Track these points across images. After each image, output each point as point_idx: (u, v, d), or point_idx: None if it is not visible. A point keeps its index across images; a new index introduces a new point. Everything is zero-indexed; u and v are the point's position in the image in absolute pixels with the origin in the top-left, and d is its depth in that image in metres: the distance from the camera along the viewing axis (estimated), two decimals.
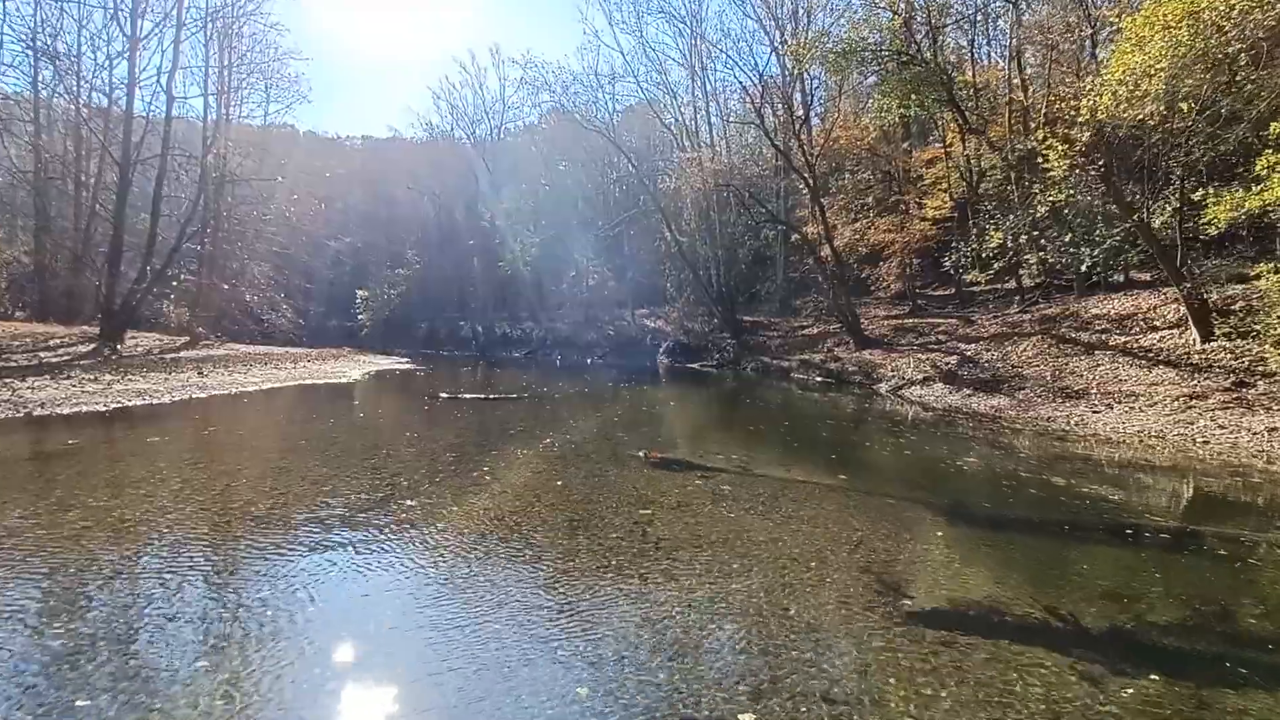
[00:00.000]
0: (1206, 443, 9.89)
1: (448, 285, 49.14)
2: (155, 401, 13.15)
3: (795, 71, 30.07)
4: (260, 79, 35.90)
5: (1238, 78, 11.07)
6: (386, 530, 5.82)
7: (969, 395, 15.40)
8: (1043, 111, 16.83)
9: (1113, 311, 17.11)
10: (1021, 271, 21.68)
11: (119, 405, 12.31)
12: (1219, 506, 7.25)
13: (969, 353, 18.59)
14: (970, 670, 3.52)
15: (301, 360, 25.40)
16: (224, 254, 37.03)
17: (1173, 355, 13.66)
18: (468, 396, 16.05)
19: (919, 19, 21.44)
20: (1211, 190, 11.46)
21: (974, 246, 21.29)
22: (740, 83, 37.30)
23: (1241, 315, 12.50)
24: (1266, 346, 11.49)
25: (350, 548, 5.35)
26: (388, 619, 4.12)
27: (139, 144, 27.28)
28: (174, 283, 33.96)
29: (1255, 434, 9.69)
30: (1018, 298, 22.01)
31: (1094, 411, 12.38)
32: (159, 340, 27.31)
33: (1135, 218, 13.78)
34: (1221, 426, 10.20)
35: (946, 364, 18.14)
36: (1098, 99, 11.21)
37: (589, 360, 34.48)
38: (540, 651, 3.69)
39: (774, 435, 12.21)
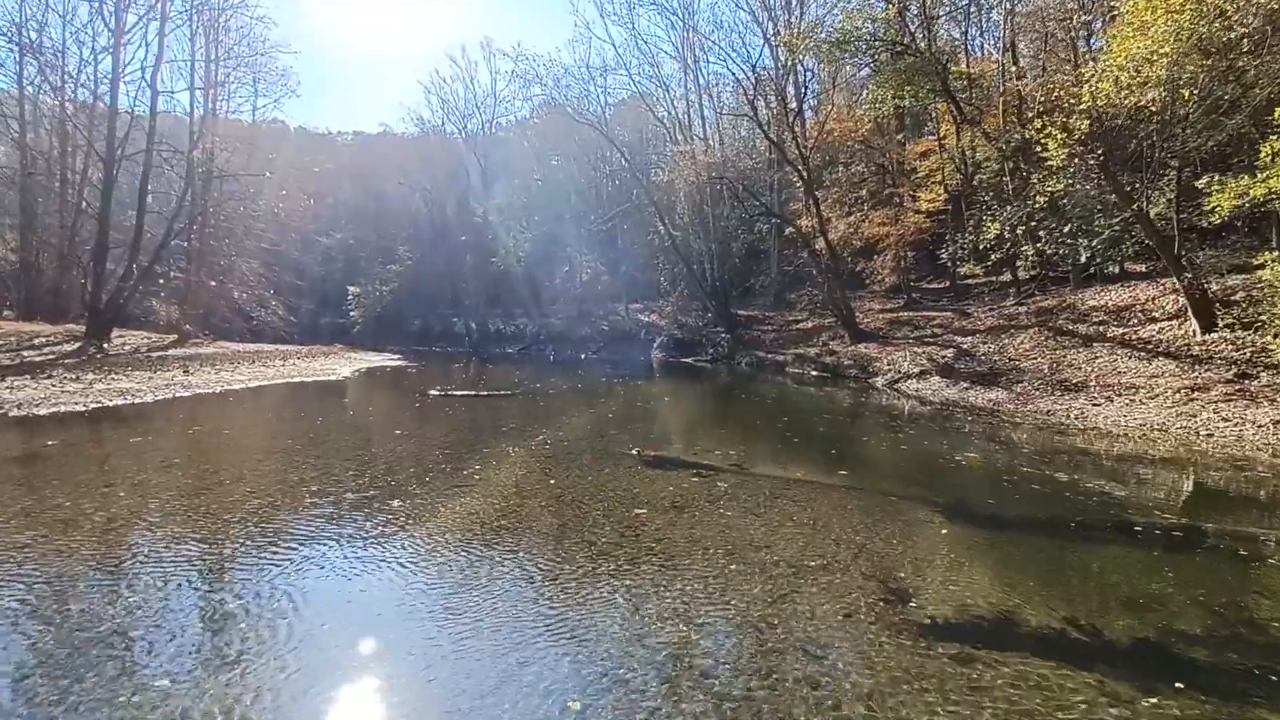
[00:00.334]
0: (1210, 436, 9.72)
1: (440, 281, 48.71)
2: (137, 401, 12.83)
3: (789, 63, 29.79)
4: (248, 73, 35.43)
5: (1239, 63, 10.85)
6: (367, 536, 5.58)
7: (966, 389, 15.21)
8: (1039, 99, 16.61)
9: (1110, 303, 16.95)
10: (1019, 264, 21.49)
11: (99, 405, 11.99)
12: (1228, 502, 7.07)
13: (965, 346, 18.43)
14: (990, 690, 3.25)
15: (291, 358, 25.07)
16: (212, 251, 36.58)
17: (1172, 347, 13.50)
18: (458, 394, 15.79)
19: (913, 9, 21.22)
20: (1216, 178, 11.23)
21: (971, 238, 21.09)
22: (733, 75, 36.97)
23: (1245, 306, 12.32)
24: (1269, 337, 11.33)
25: (331, 553, 5.12)
26: (363, 633, 3.88)
27: (124, 139, 26.83)
28: (161, 280, 33.51)
29: (1260, 426, 9.52)
30: (1013, 290, 21.84)
31: (1094, 404, 12.21)
32: (147, 338, 26.91)
33: (1135, 207, 13.58)
34: (1225, 419, 10.03)
35: (943, 357, 17.96)
36: (1099, 84, 10.98)
37: (583, 356, 34.22)
38: (525, 670, 3.46)
39: (770, 431, 12.00)
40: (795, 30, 24.57)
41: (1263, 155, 9.93)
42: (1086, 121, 12.54)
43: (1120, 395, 12.27)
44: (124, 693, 3.20)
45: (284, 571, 4.75)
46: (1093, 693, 3.23)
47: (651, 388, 20.46)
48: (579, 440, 10.24)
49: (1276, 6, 9.75)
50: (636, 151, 39.97)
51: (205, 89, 33.03)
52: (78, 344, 22.31)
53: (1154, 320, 15.02)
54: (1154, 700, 3.17)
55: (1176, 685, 3.30)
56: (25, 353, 19.22)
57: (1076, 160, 13.28)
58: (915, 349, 19.52)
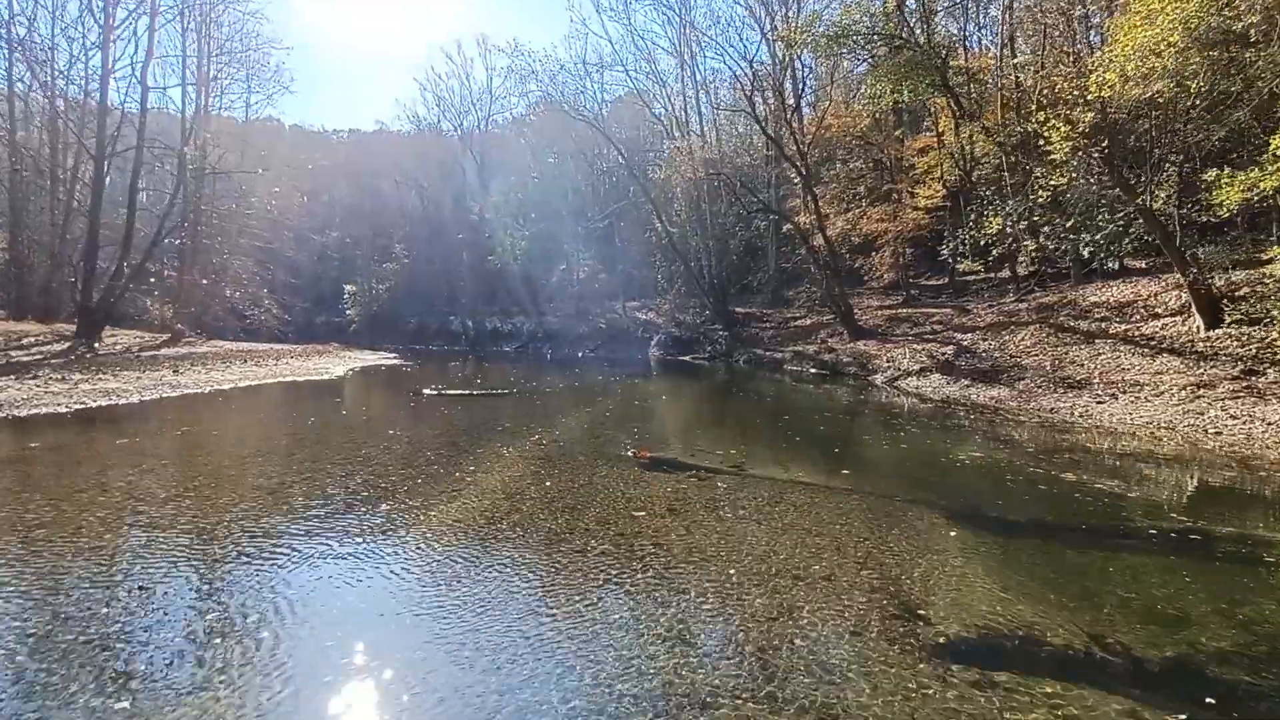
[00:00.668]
0: (1219, 434, 9.53)
1: (436, 279, 48.41)
2: (122, 402, 12.55)
3: (786, 59, 29.60)
4: (240, 69, 35.14)
5: (1247, 54, 10.63)
6: (351, 544, 5.34)
7: (967, 386, 15.02)
8: (1042, 91, 16.40)
9: (1111, 299, 16.75)
10: (1021, 259, 21.29)
11: (82, 406, 11.71)
12: (1242, 503, 6.85)
13: (965, 343, 18.23)
14: None
15: (284, 357, 24.79)
16: (205, 249, 36.22)
17: (1176, 343, 13.30)
18: (453, 393, 15.54)
19: (911, 3, 21.02)
20: (1226, 171, 11.01)
21: (972, 233, 20.88)
22: (731, 70, 36.78)
23: (1254, 301, 12.10)
24: (1276, 333, 11.13)
25: (311, 563, 4.88)
26: (342, 647, 3.65)
27: (114, 136, 26.52)
28: (151, 279, 33.18)
29: (1270, 424, 9.32)
30: (1012, 286, 21.64)
31: (1098, 402, 12.01)
32: (139, 338, 26.60)
33: (1139, 202, 13.37)
34: (1234, 417, 9.83)
35: (943, 354, 17.76)
36: (1106, 74, 10.75)
37: (580, 354, 33.99)
38: (513, 696, 3.23)
39: (769, 430, 11.78)
40: (793, 25, 24.38)
41: (1273, 147, 9.72)
42: (1090, 114, 12.32)
43: (1125, 392, 12.07)
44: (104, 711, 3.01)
45: (261, 583, 4.52)
46: None
47: (649, 386, 20.23)
48: (575, 441, 10.01)
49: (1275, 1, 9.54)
50: (633, 149, 39.74)
51: (197, 85, 32.70)
52: (67, 344, 22.02)
53: (1157, 316, 14.82)
54: None
55: (1208, 700, 3.09)
56: (13, 353, 18.94)
57: (1080, 154, 13.05)
58: (915, 346, 19.31)
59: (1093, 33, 19.95)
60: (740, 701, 3.15)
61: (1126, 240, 17.21)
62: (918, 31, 20.83)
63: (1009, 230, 19.62)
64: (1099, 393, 12.44)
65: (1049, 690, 3.21)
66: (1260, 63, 10.67)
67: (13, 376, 13.69)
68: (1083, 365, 14.07)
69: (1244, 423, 9.60)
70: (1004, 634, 3.81)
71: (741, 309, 32.41)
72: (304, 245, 51.83)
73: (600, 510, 6.16)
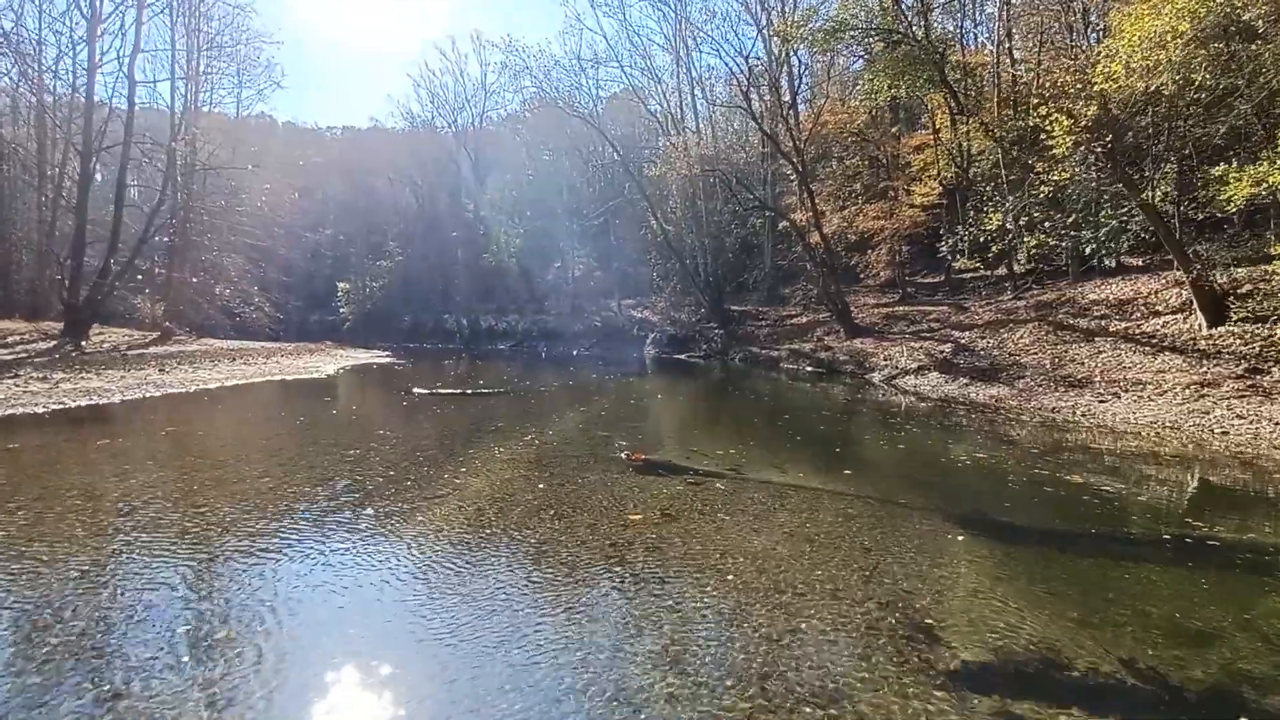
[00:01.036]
0: (1225, 434, 9.33)
1: (431, 277, 48.07)
2: (103, 402, 12.23)
3: (782, 54, 29.35)
4: (230, 63, 34.73)
5: (1253, 45, 10.42)
6: (331, 551, 5.08)
7: (966, 384, 14.81)
8: (1043, 83, 16.19)
9: (1110, 296, 16.55)
10: (1020, 256, 21.11)
11: (61, 406, 11.39)
12: (1254, 508, 6.62)
13: (963, 340, 18.02)
14: None
15: (274, 355, 24.47)
16: (196, 246, 35.80)
17: (1178, 341, 13.11)
18: (445, 392, 15.27)
19: None
20: (1233, 165, 10.79)
21: (971, 230, 20.68)
22: (727, 66, 36.53)
23: (1259, 299, 11.91)
24: None
25: (288, 573, 4.62)
26: (316, 665, 3.40)
27: (101, 132, 26.14)
28: (139, 276, 32.77)
29: (1278, 424, 9.12)
30: (1009, 284, 21.45)
31: (1100, 401, 11.82)
32: (128, 336, 26.23)
33: (1142, 197, 13.16)
34: (1240, 416, 9.63)
35: (941, 352, 17.56)
36: (1111, 65, 10.52)
37: (575, 352, 33.74)
38: None
39: (766, 431, 11.55)
40: (789, 19, 24.10)
41: None
42: (1093, 107, 12.10)
43: (1127, 391, 11.87)
44: None
45: (233, 593, 4.26)
46: None
47: (644, 385, 19.98)
48: (567, 443, 9.75)
49: None
50: (629, 145, 39.42)
51: (186, 79, 32.21)
52: (53, 342, 21.68)
53: (1157, 314, 14.62)
54: None
55: None
56: None
57: (1082, 148, 12.84)
58: (912, 344, 19.10)
59: (1090, 30, 19.79)
60: None
61: (1125, 236, 17.03)
62: (915, 26, 20.64)
63: (1009, 226, 19.41)
64: (1101, 391, 12.24)
65: None
66: (1265, 55, 10.45)
67: None
68: (1083, 363, 13.87)
69: (1251, 422, 9.41)
70: (1023, 656, 3.54)
71: (737, 307, 32.18)
72: (297, 243, 51.41)
73: (591, 518, 5.89)
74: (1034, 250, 19.86)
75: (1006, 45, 22.67)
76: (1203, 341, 12.58)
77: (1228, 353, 11.85)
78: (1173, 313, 14.26)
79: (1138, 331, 14.27)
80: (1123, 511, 6.28)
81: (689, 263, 32.30)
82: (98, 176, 34.56)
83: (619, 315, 36.96)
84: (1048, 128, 12.74)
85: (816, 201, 25.94)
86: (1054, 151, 13.35)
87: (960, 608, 4.12)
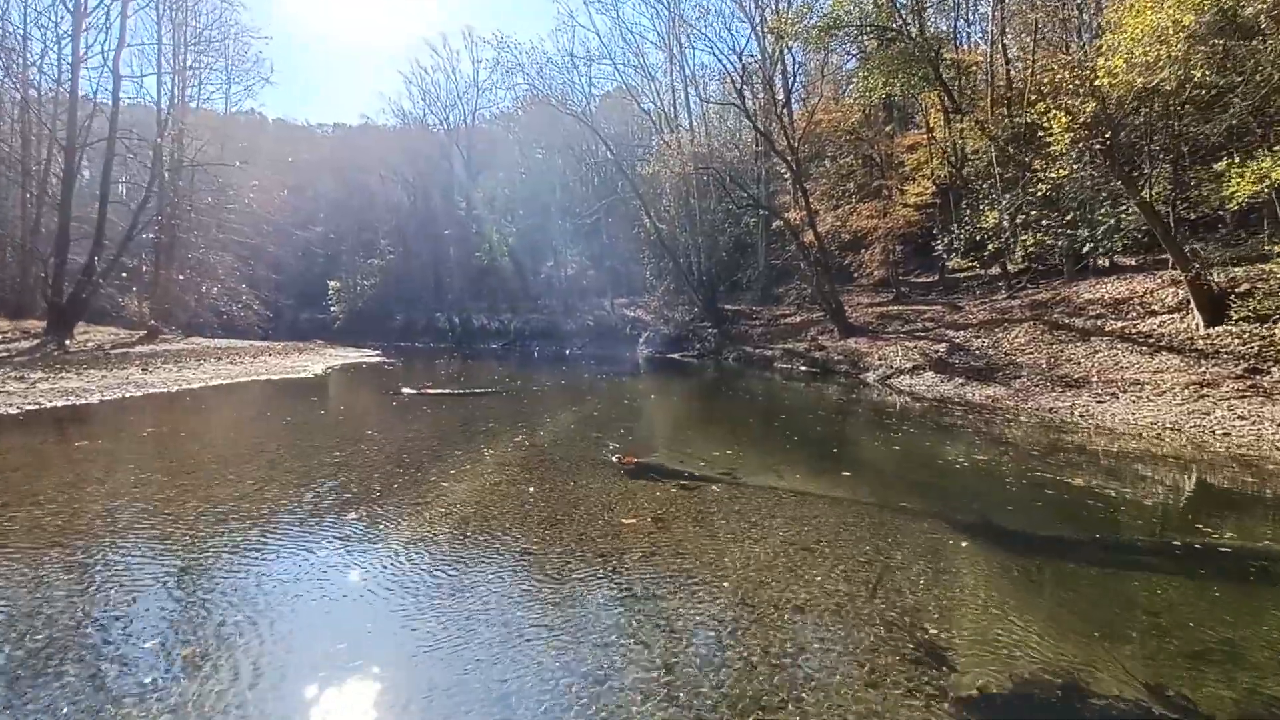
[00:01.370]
0: (1227, 435, 9.19)
1: (423, 275, 47.75)
2: (81, 402, 11.90)
3: (776, 52, 29.18)
4: (219, 58, 34.31)
5: (1254, 41, 10.28)
6: (308, 560, 4.84)
7: (962, 384, 14.67)
8: (1040, 80, 16.06)
9: (1106, 296, 16.45)
10: (1016, 254, 21.00)
11: (36, 407, 11.07)
12: (1261, 511, 6.44)
13: (958, 340, 17.90)
14: None
15: (262, 354, 24.12)
16: (183, 244, 35.31)
17: (1175, 341, 12.99)
18: (433, 392, 15.01)
19: None
20: (1234, 161, 10.66)
21: (967, 228, 20.56)
22: (720, 64, 36.29)
23: (1259, 298, 11.79)
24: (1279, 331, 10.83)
25: (264, 583, 4.38)
26: (289, 680, 3.17)
27: (86, 127, 25.72)
28: (125, 274, 32.27)
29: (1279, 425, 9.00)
30: (1003, 283, 21.35)
31: (1098, 401, 11.68)
32: (114, 334, 25.82)
33: (1141, 195, 13.03)
34: (1241, 417, 9.50)
35: (936, 352, 17.42)
36: (1112, 60, 10.37)
37: (567, 351, 33.50)
38: None
39: (761, 432, 11.35)
40: (783, 17, 23.93)
41: None
42: (1092, 103, 11.95)
43: (1125, 391, 11.74)
44: None
45: (211, 603, 4.02)
46: None
47: (637, 384, 19.77)
48: (557, 445, 9.51)
49: None
50: (622, 144, 39.21)
51: (173, 75, 31.77)
52: (35, 341, 21.29)
53: (1154, 313, 14.51)
54: None
55: None
56: None
57: (1080, 145, 12.70)
58: (907, 343, 18.97)
59: (1083, 29, 19.71)
60: None
61: (1118, 235, 16.93)
62: (909, 23, 20.50)
63: (1005, 225, 19.30)
64: (1098, 391, 12.11)
65: None
66: (1265, 51, 10.32)
67: None
68: (1080, 363, 13.75)
69: (1252, 423, 9.27)
70: (1040, 682, 3.30)
71: (731, 306, 32.02)
72: (287, 241, 50.87)
73: (579, 528, 5.65)
74: (1030, 248, 19.74)
75: (1000, 43, 22.56)
76: (1200, 341, 12.46)
77: (1226, 353, 11.73)
78: (1169, 312, 14.16)
79: (1134, 331, 14.15)
80: (1127, 516, 6.11)
81: (682, 262, 32.11)
82: (84, 173, 34.17)
83: (612, 314, 36.75)
84: (1045, 125, 12.60)
85: (810, 200, 25.80)
86: (1052, 149, 13.20)
87: (969, 627, 3.89)
